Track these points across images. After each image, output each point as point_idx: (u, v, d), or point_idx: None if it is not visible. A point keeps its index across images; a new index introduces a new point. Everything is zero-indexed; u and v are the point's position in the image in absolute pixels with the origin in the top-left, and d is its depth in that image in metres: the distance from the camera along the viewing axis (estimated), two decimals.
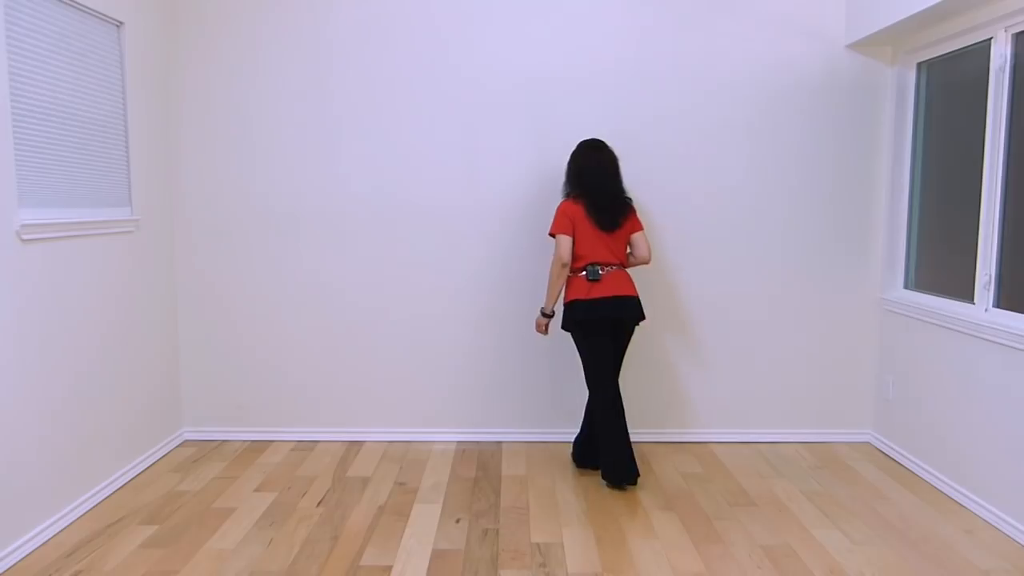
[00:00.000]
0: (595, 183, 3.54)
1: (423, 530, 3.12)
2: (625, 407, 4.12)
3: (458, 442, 4.22)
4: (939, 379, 3.58)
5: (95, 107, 3.43)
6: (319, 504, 3.38)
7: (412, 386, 4.22)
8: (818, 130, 4.04)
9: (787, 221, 4.10)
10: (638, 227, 3.62)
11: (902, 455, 3.88)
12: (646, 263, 3.68)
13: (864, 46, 3.99)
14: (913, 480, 3.67)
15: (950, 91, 3.66)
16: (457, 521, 3.21)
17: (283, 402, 4.23)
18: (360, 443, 4.20)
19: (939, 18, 3.45)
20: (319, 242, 4.13)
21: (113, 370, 3.53)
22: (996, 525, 3.16)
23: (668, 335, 4.17)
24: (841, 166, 4.07)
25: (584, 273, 3.53)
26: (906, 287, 4.03)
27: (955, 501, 3.42)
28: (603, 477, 3.56)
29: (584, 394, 4.07)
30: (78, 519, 3.22)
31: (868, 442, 4.20)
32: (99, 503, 3.38)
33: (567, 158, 3.69)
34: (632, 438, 4.15)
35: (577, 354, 3.98)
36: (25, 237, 2.90)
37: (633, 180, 4.05)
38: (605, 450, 3.51)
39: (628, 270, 3.67)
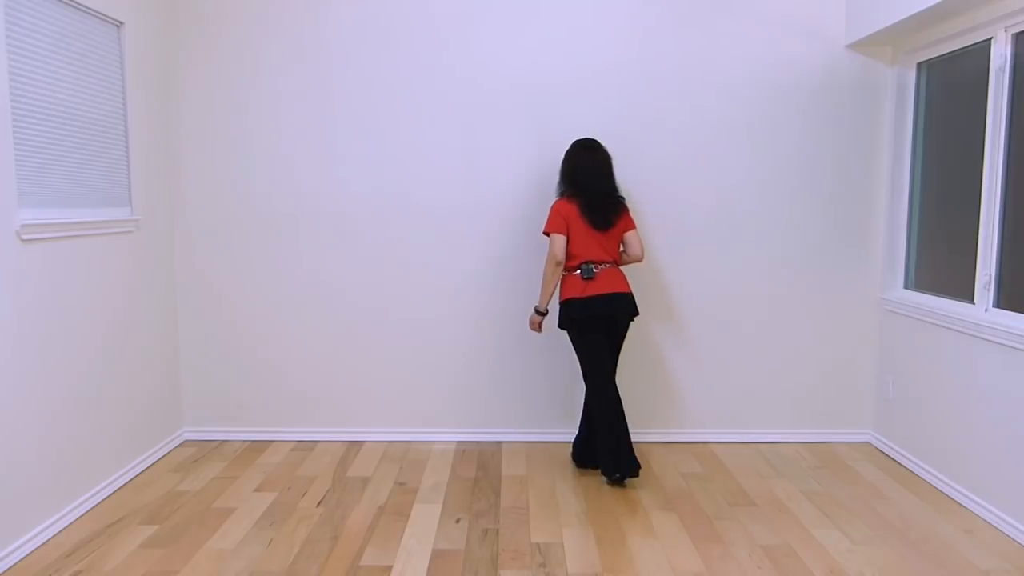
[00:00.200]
0: (588, 182, 3.56)
1: (423, 530, 3.12)
2: (626, 407, 4.13)
3: (458, 442, 4.22)
4: (939, 379, 3.58)
5: (95, 107, 3.43)
6: (319, 504, 3.38)
7: (412, 386, 4.22)
8: (818, 130, 4.04)
9: (787, 221, 4.10)
10: (631, 226, 3.64)
11: (902, 455, 3.88)
12: (639, 261, 3.70)
13: (864, 46, 3.99)
14: (913, 480, 3.67)
15: (950, 91, 3.66)
16: (457, 521, 3.21)
17: (283, 402, 4.23)
18: (360, 443, 4.20)
19: (939, 18, 3.45)
20: (319, 242, 4.13)
21: (113, 370, 3.53)
22: (996, 525, 3.16)
23: (668, 335, 4.17)
24: (841, 166, 4.07)
25: (578, 272, 3.55)
26: (906, 287, 4.03)
27: (955, 501, 3.42)
28: (603, 473, 3.56)
29: (584, 394, 4.07)
30: (78, 519, 3.22)
31: (868, 442, 4.20)
32: (99, 503, 3.38)
33: None
34: (632, 438, 4.14)
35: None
36: (25, 237, 2.90)
37: (633, 180, 4.05)
38: (604, 444, 3.52)
39: (622, 268, 3.69)
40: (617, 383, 4.12)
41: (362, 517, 3.25)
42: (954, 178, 3.61)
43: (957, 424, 3.45)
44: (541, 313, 3.67)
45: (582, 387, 4.13)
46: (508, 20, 4.01)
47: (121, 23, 3.61)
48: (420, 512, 3.30)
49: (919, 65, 3.90)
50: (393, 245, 4.13)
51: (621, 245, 3.66)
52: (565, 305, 3.58)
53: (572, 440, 4.06)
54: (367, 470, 3.80)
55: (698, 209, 4.09)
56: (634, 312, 3.59)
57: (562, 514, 3.27)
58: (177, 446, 4.14)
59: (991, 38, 3.28)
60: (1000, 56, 3.22)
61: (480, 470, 3.80)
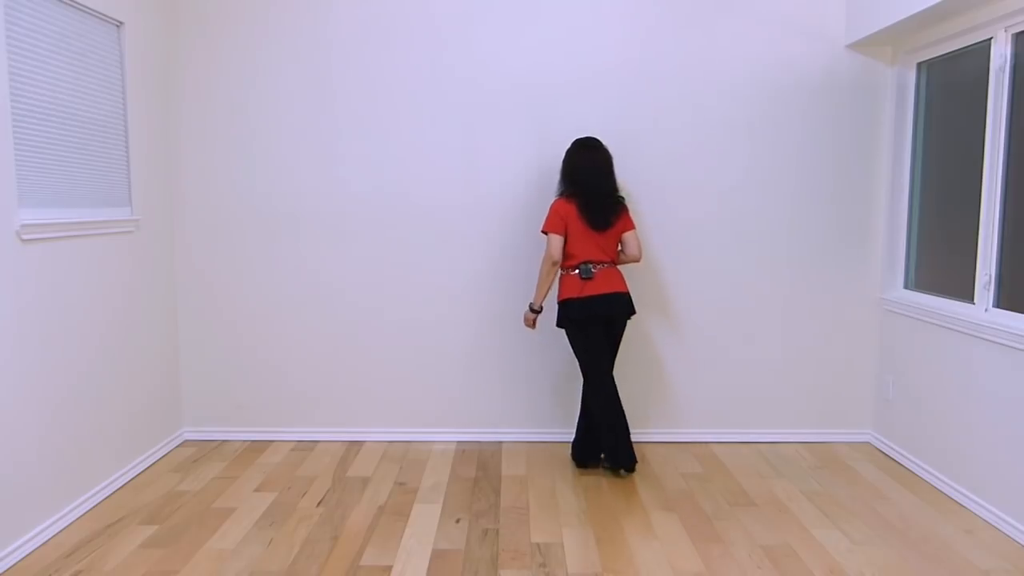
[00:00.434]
0: (588, 182, 3.57)
1: (423, 530, 3.12)
2: (626, 407, 4.14)
3: (458, 442, 4.22)
4: (939, 379, 3.58)
5: (95, 107, 3.43)
6: (319, 504, 3.38)
7: (412, 386, 4.22)
8: (818, 130, 4.04)
9: (787, 221, 4.10)
10: (630, 226, 3.64)
11: (902, 455, 3.88)
12: (636, 262, 3.71)
13: (864, 46, 3.99)
14: (913, 480, 3.67)
15: (950, 91, 3.66)
16: (457, 521, 3.21)
17: (283, 402, 4.23)
18: (360, 443, 4.20)
19: (939, 18, 3.45)
20: (319, 242, 4.13)
21: (113, 370, 3.53)
22: (996, 525, 3.15)
23: (668, 335, 4.17)
24: (841, 166, 4.07)
25: (577, 272, 3.57)
26: (906, 287, 4.03)
27: (955, 501, 3.42)
28: (603, 463, 3.74)
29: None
30: (78, 519, 3.22)
31: (868, 442, 4.20)
32: (99, 503, 3.38)
33: None
34: (632, 438, 4.15)
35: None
36: (25, 237, 2.90)
37: (633, 179, 4.05)
38: (606, 442, 3.62)
39: (619, 267, 3.70)
40: (616, 381, 4.13)
41: (362, 517, 3.25)
42: (954, 178, 3.61)
43: (957, 424, 3.45)
44: (535, 311, 3.69)
45: (581, 387, 4.13)
46: (508, 20, 4.01)
47: (121, 23, 3.61)
48: (420, 512, 3.30)
49: (919, 65, 3.90)
50: (393, 245, 4.13)
51: (619, 245, 3.67)
52: (563, 305, 3.60)
53: (572, 440, 4.06)
54: (367, 470, 3.80)
55: (698, 209, 4.09)
56: (631, 311, 3.62)
57: (562, 514, 3.27)
58: (177, 446, 4.14)
59: (991, 38, 3.28)
60: (1000, 56, 3.22)
61: (480, 470, 3.80)
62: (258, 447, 4.13)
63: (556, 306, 3.71)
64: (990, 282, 3.30)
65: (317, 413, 4.24)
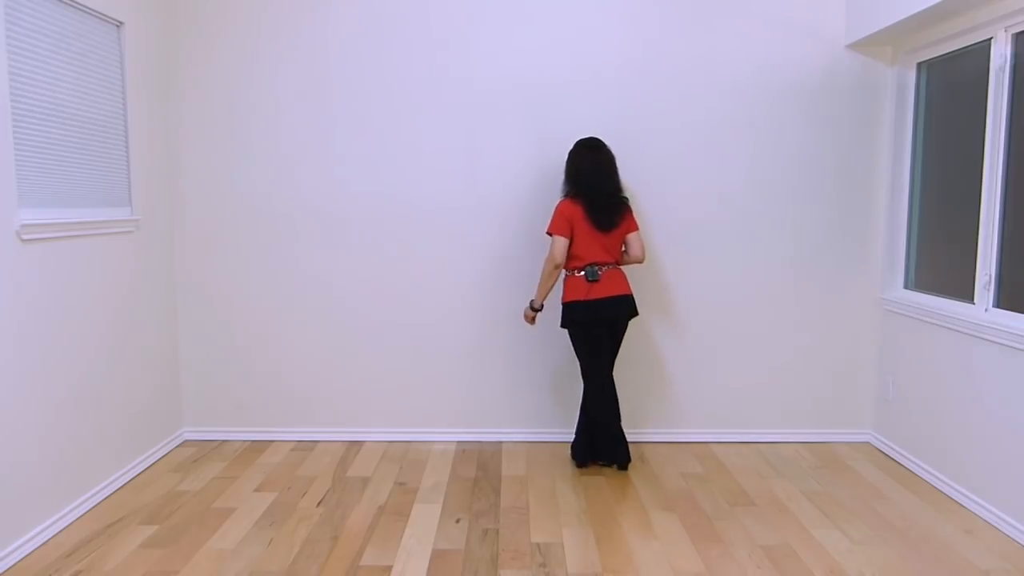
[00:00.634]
0: (592, 182, 3.56)
1: (423, 530, 3.12)
2: (626, 407, 4.15)
3: (458, 442, 4.22)
4: (939, 379, 3.58)
5: (95, 107, 3.43)
6: (319, 504, 3.38)
7: (412, 386, 4.22)
8: (818, 130, 4.04)
9: (787, 221, 4.10)
10: (634, 227, 3.64)
11: (902, 455, 3.88)
12: (639, 262, 3.71)
13: (864, 46, 3.99)
14: (913, 480, 3.67)
15: (950, 91, 3.66)
16: (457, 521, 3.21)
17: (283, 402, 4.23)
18: (360, 443, 4.20)
19: (939, 18, 3.45)
20: (319, 241, 4.13)
21: (113, 370, 3.53)
22: (996, 525, 3.16)
23: (668, 335, 4.17)
24: (841, 166, 4.07)
25: (583, 273, 3.56)
26: (906, 287, 4.03)
27: (955, 501, 3.42)
28: (599, 457, 3.76)
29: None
30: (78, 519, 3.22)
31: (868, 442, 4.20)
32: (99, 503, 3.38)
33: None
34: (632, 438, 4.16)
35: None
36: (25, 237, 2.90)
37: (634, 180, 4.05)
38: (603, 441, 3.66)
39: (622, 267, 3.71)
40: (616, 381, 4.14)
41: (362, 517, 3.25)
42: (954, 178, 3.61)
43: (957, 424, 3.44)
44: (535, 309, 3.70)
45: (581, 387, 4.13)
46: (508, 20, 4.01)
47: (121, 23, 3.61)
48: (420, 512, 3.30)
49: (919, 65, 3.89)
50: (393, 244, 4.13)
51: (623, 245, 3.66)
52: (568, 307, 3.59)
53: (572, 440, 4.06)
54: (367, 470, 3.80)
55: (698, 209, 4.09)
56: (634, 313, 3.62)
57: (562, 514, 3.27)
58: (177, 446, 4.14)
59: (991, 38, 3.28)
60: (1000, 56, 3.22)
61: (480, 470, 3.80)
62: (258, 447, 4.13)
63: (559, 306, 3.72)
64: (990, 282, 3.30)
65: (317, 413, 4.24)
